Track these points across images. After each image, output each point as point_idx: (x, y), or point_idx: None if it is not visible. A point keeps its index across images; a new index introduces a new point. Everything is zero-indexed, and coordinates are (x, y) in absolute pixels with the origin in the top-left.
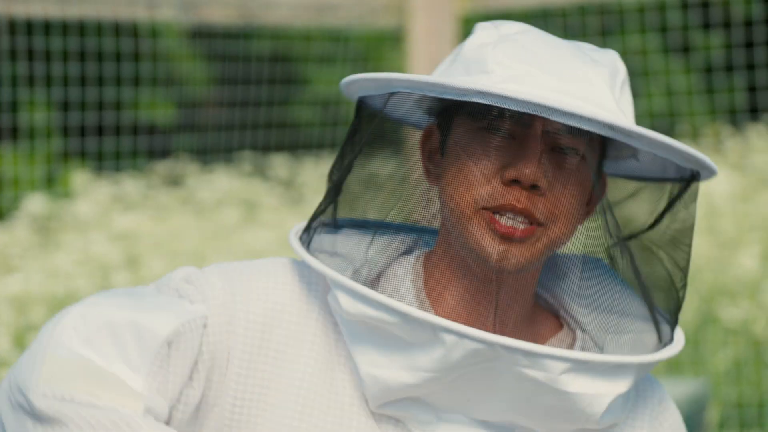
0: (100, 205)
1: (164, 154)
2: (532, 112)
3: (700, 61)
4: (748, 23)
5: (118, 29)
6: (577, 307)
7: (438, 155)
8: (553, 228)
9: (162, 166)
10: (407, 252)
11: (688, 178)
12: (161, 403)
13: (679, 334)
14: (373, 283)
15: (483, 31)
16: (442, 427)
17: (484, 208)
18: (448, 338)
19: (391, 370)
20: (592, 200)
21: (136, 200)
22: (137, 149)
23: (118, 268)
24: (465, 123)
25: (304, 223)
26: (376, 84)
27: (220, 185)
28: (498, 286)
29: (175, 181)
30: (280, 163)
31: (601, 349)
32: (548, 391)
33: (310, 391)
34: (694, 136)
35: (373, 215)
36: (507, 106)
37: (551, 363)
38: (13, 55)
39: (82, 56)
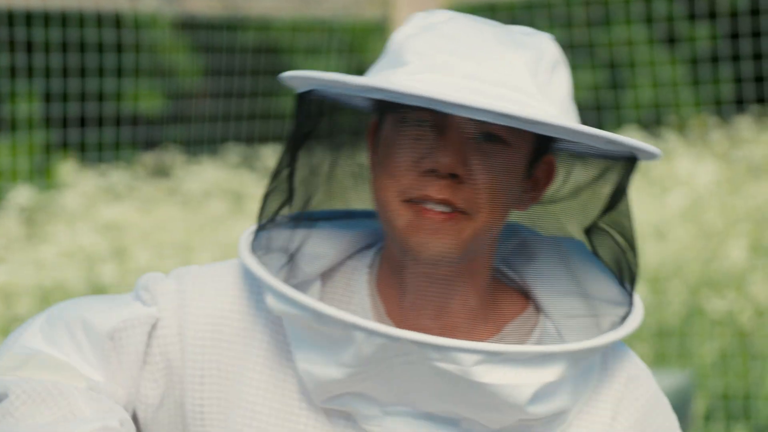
0: (87, 196)
1: (150, 145)
2: (420, 105)
3: (686, 52)
4: (734, 14)
5: (100, 20)
6: (538, 288)
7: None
8: (478, 216)
9: (149, 158)
10: (369, 246)
11: (628, 157)
12: (113, 388)
13: (635, 315)
14: (326, 278)
15: (412, 21)
16: (387, 420)
17: (407, 200)
18: (357, 334)
19: (321, 366)
20: (538, 186)
21: (123, 191)
22: (122, 140)
23: (104, 259)
24: (387, 118)
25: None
26: (299, 82)
27: (207, 176)
28: (424, 278)
29: (162, 173)
30: (267, 154)
31: (558, 334)
32: (464, 383)
33: (261, 389)
34: (680, 128)
35: (315, 208)
36: (395, 100)
37: (462, 355)
38: None
39: (64, 47)
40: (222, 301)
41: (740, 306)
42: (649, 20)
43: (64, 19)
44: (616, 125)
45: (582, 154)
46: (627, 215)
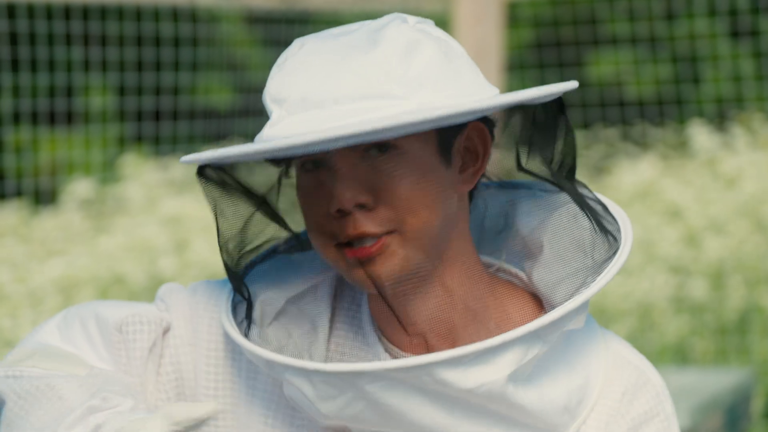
0: (150, 189)
1: (221, 138)
2: (277, 157)
3: (750, 46)
4: None
5: (176, 14)
6: (538, 276)
7: None
8: (405, 227)
9: None
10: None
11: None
12: (119, 376)
13: (623, 250)
14: (334, 305)
15: (277, 60)
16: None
17: (338, 245)
18: (297, 376)
19: (309, 402)
20: (477, 157)
21: (186, 184)
22: (192, 134)
23: (165, 252)
24: (294, 171)
25: None
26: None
27: (271, 170)
28: (394, 301)
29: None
30: None
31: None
32: (453, 397)
33: (273, 402)
34: (745, 122)
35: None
36: (254, 159)
37: (437, 370)
38: (68, 39)
39: (139, 41)
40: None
41: None
42: (712, 14)
43: (138, 13)
44: (679, 120)
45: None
46: (570, 154)
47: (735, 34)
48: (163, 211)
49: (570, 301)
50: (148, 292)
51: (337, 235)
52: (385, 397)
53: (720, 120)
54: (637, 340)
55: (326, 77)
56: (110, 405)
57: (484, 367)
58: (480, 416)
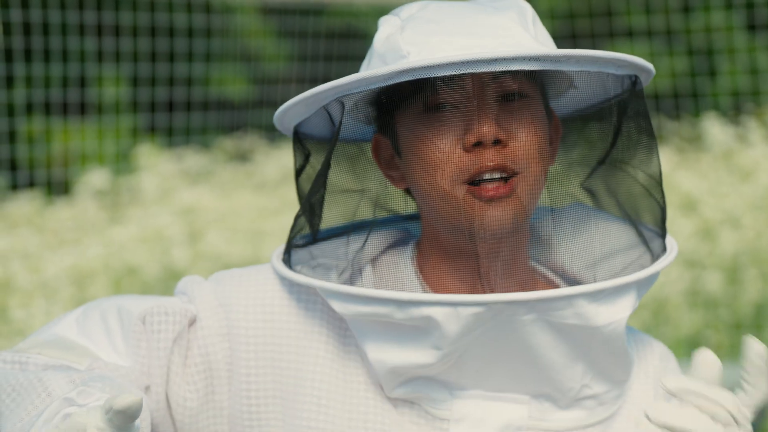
0: (165, 180)
1: (235, 129)
2: (459, 72)
3: (766, 39)
4: None
5: (190, 5)
6: (571, 264)
7: (395, 158)
8: (528, 172)
9: (229, 142)
10: (398, 244)
11: (631, 85)
12: (132, 371)
13: (672, 244)
14: (362, 279)
15: (386, 23)
16: (456, 404)
17: (465, 182)
18: (443, 311)
19: (400, 354)
20: (552, 140)
21: (201, 175)
22: (206, 125)
23: (178, 242)
24: (407, 115)
25: (284, 246)
26: (306, 104)
27: (286, 162)
28: (498, 249)
29: (242, 157)
30: None
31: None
32: (580, 332)
33: (324, 383)
34: (760, 115)
35: (344, 224)
36: (434, 75)
37: (560, 305)
38: (82, 29)
39: (153, 32)
40: (271, 298)
41: None
42: (728, 6)
43: (152, 3)
44: (695, 113)
45: (590, 102)
46: (643, 146)
47: (752, 27)
48: (176, 202)
49: (667, 255)
50: (161, 283)
51: (468, 168)
52: (529, 329)
53: (736, 113)
54: (651, 333)
55: (466, 25)
56: (85, 400)
57: (612, 306)
58: (583, 357)
